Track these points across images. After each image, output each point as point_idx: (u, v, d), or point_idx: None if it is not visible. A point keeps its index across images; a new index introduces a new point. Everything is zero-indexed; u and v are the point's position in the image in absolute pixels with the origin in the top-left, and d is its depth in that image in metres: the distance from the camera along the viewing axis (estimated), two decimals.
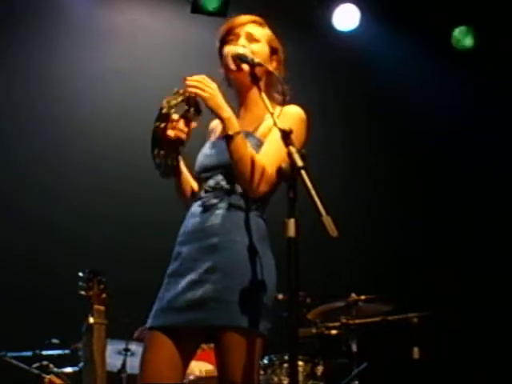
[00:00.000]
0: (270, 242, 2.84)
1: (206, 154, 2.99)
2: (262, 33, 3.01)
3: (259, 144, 2.83)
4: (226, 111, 2.72)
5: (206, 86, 2.71)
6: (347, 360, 5.11)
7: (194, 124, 2.85)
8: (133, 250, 6.05)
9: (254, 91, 2.90)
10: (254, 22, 3.02)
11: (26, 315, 5.60)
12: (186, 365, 2.81)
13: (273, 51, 3.01)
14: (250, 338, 2.69)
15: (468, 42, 7.03)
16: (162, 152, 2.80)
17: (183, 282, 2.76)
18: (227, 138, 2.70)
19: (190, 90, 2.71)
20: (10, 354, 4.82)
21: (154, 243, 6.05)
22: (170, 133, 2.77)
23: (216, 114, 2.73)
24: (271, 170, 2.70)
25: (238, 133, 2.70)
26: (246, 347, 2.68)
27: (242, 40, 2.95)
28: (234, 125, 2.72)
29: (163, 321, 2.77)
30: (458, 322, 6.37)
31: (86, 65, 6.47)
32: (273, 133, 2.77)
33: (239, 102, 3.01)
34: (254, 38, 2.96)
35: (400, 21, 6.90)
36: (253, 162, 2.69)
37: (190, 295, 2.73)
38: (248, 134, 2.85)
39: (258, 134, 2.88)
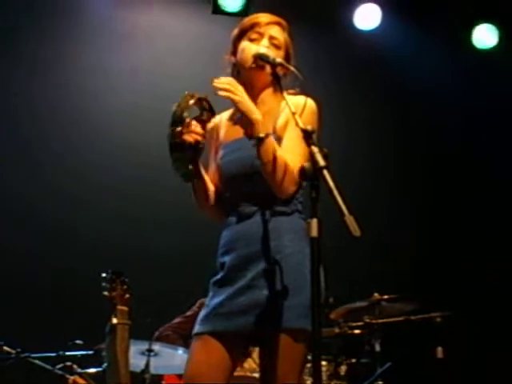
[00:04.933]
0: None
1: (230, 158, 2.91)
2: (284, 38, 2.99)
3: (278, 140, 2.80)
4: (257, 114, 2.69)
5: (236, 89, 2.70)
6: (371, 360, 5.10)
7: (208, 125, 2.85)
8: (156, 251, 6.06)
9: (268, 90, 2.93)
10: (279, 24, 3.00)
11: (50, 316, 5.63)
12: (234, 368, 2.82)
13: (287, 58, 2.95)
14: (300, 340, 2.71)
15: (491, 40, 6.99)
16: (181, 155, 2.76)
17: (231, 290, 2.77)
18: (259, 141, 2.66)
19: (221, 93, 2.68)
20: (33, 355, 4.84)
21: (177, 244, 6.08)
22: (188, 137, 2.75)
23: (246, 117, 2.69)
24: (296, 168, 2.65)
25: (268, 135, 2.67)
26: (297, 349, 2.71)
27: (265, 41, 2.92)
28: (264, 127, 2.70)
29: (212, 327, 2.77)
30: (481, 320, 6.34)
31: (106, 66, 6.49)
32: (292, 128, 2.74)
33: (250, 98, 2.85)
34: (275, 43, 2.94)
35: (421, 20, 6.88)
36: (283, 164, 2.67)
37: (239, 301, 2.74)
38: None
39: (277, 130, 2.84)
